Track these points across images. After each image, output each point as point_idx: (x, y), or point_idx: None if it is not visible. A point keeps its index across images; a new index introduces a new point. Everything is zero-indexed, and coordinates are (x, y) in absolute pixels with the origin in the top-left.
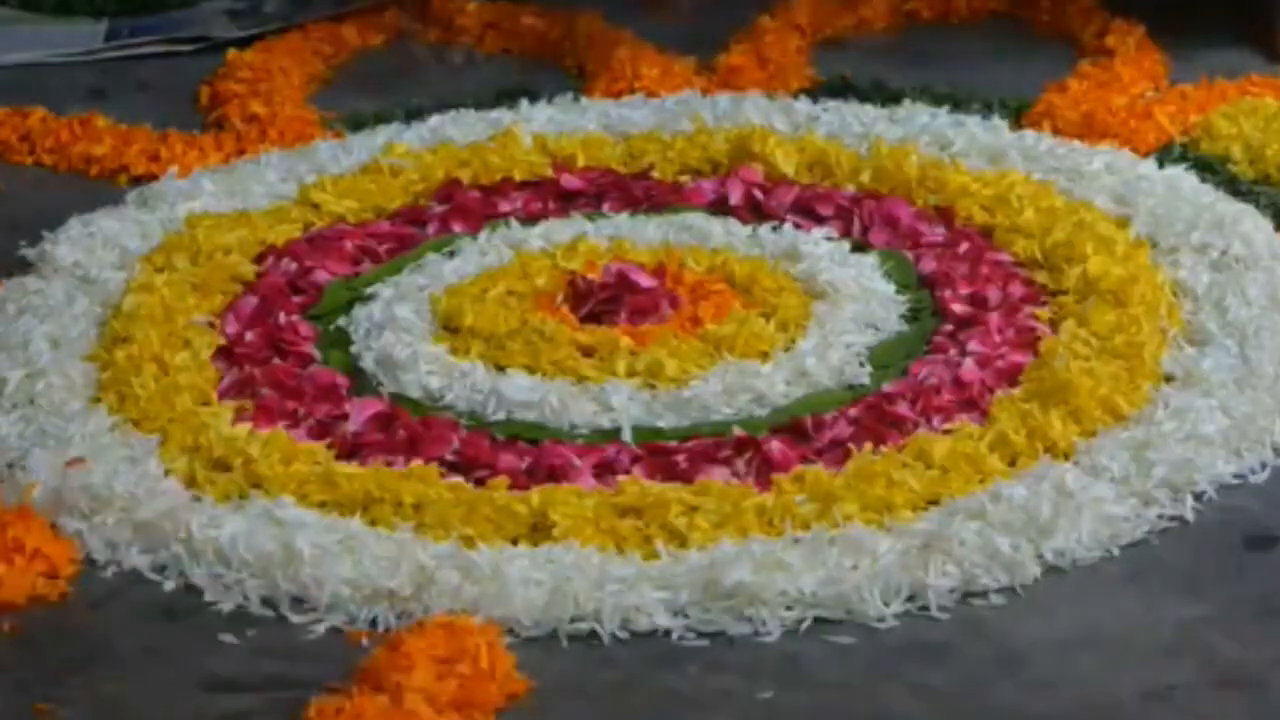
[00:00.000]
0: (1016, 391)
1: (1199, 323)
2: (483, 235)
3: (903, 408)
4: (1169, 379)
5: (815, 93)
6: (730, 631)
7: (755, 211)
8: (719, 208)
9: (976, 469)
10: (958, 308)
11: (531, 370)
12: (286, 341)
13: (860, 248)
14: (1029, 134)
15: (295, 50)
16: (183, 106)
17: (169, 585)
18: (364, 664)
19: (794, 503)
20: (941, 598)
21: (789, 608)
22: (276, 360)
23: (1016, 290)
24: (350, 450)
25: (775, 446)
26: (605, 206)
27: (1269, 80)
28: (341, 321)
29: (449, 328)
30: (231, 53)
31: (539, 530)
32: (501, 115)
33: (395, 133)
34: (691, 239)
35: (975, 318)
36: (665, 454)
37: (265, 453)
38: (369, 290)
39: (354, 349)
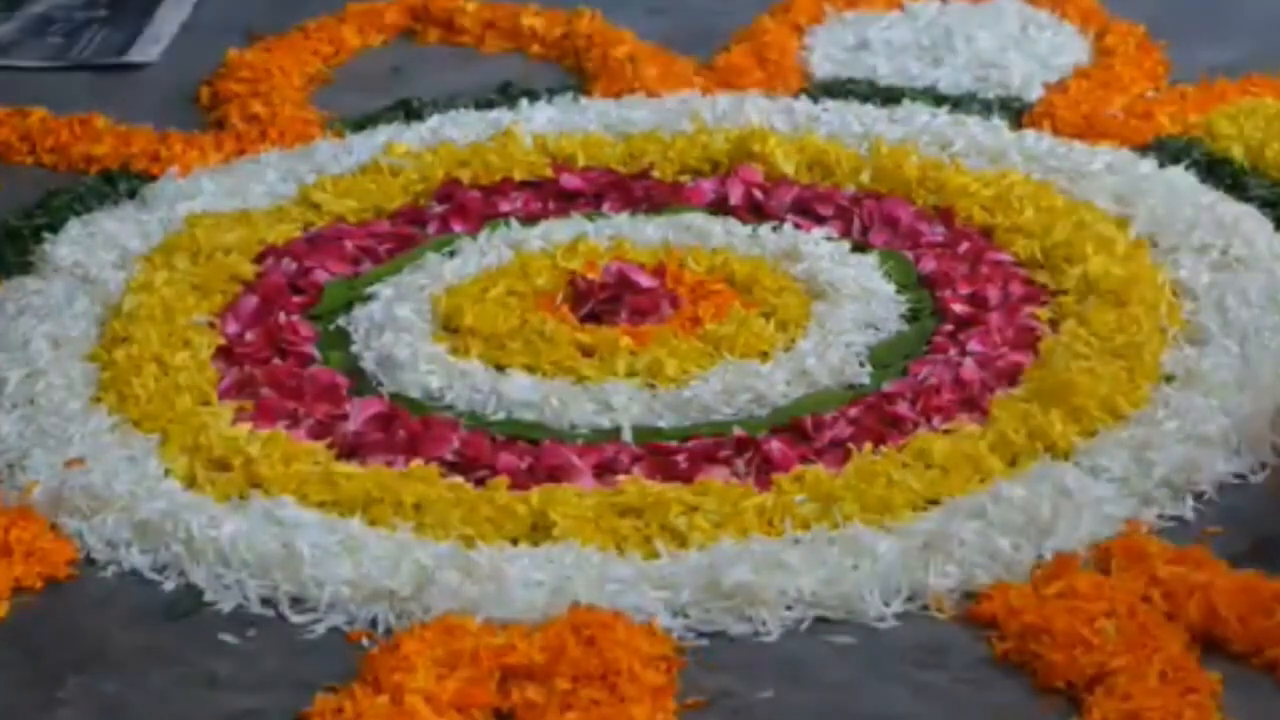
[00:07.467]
0: (1016, 391)
1: (1199, 323)
2: (483, 235)
3: (903, 408)
4: (1169, 379)
5: (815, 93)
6: (730, 631)
7: (755, 211)
8: (719, 208)
9: (976, 469)
10: (958, 308)
11: (531, 370)
12: (286, 341)
13: (860, 248)
14: (1029, 134)
15: (295, 50)
16: (183, 106)
17: (169, 585)
18: (364, 664)
19: (794, 503)
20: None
21: (789, 608)
22: (276, 360)
23: (1016, 290)
24: (350, 450)
25: (775, 446)
26: (605, 206)
27: (1269, 80)
28: (341, 321)
29: (449, 328)
30: (231, 52)
31: (539, 530)
32: (501, 115)
33: (395, 133)
34: (691, 239)
35: (975, 318)
36: (665, 454)
37: (265, 453)
38: (369, 290)
39: (354, 349)
